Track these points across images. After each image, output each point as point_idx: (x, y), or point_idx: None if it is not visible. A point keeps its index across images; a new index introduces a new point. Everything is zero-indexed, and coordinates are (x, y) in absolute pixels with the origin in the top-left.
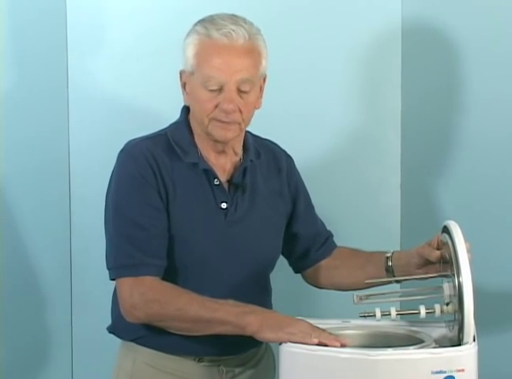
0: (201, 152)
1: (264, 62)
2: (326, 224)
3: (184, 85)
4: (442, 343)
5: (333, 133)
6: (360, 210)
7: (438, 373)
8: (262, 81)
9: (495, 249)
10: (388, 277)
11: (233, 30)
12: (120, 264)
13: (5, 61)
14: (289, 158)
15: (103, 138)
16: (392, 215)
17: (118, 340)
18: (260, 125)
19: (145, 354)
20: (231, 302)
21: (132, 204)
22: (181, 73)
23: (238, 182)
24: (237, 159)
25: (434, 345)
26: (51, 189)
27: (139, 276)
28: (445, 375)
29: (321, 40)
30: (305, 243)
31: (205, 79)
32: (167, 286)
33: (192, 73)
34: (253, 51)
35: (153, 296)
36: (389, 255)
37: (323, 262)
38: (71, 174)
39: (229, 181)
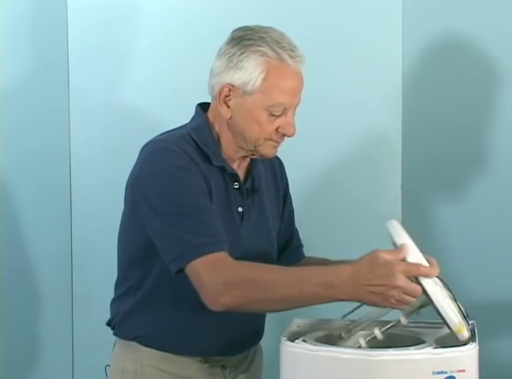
0: (226, 157)
1: None
2: (327, 224)
3: (226, 98)
4: (444, 343)
5: (334, 132)
6: (361, 209)
7: (439, 373)
8: None
9: (495, 244)
10: None
11: (301, 55)
12: (188, 248)
13: (6, 61)
14: (280, 160)
15: (103, 137)
16: (393, 214)
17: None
18: None
19: (150, 355)
20: (315, 269)
21: (182, 190)
22: (228, 87)
23: (249, 187)
24: (246, 163)
25: (435, 345)
26: (51, 188)
27: (213, 254)
28: (446, 375)
29: (321, 39)
30: (279, 246)
31: (274, 104)
32: (246, 264)
33: (251, 93)
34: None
35: (236, 278)
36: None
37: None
38: (72, 172)
39: (243, 185)
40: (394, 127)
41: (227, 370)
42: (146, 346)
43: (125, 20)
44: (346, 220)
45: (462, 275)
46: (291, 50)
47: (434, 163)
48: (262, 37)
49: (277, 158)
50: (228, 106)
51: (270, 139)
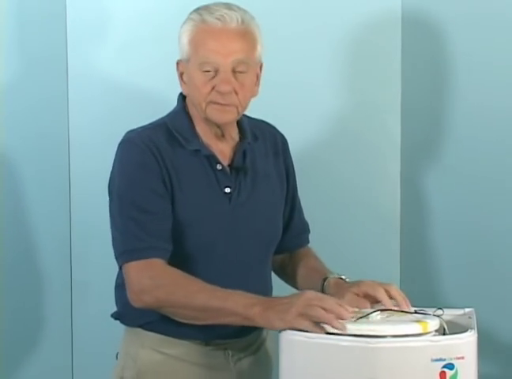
0: (202, 139)
1: (259, 48)
2: (326, 212)
3: (181, 75)
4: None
5: (331, 121)
6: (360, 198)
7: (437, 360)
8: (259, 69)
9: (494, 231)
10: None
11: (226, 14)
12: (128, 249)
13: (5, 48)
14: (284, 138)
15: (102, 124)
16: (391, 201)
17: (120, 328)
18: (260, 113)
19: (152, 339)
20: (239, 292)
21: (136, 191)
22: (178, 64)
23: (239, 166)
24: (234, 143)
25: (433, 333)
26: (50, 175)
27: (148, 259)
28: (444, 363)
29: (320, 26)
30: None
31: (201, 62)
32: (177, 272)
33: (188, 60)
34: (247, 35)
35: (163, 281)
36: (327, 278)
37: (286, 255)
38: (71, 160)
39: (230, 166)
40: (393, 114)
41: (230, 354)
42: (150, 331)
43: (124, 6)
44: (345, 208)
45: (461, 262)
46: (217, 10)
47: (433, 150)
48: (198, 7)
49: (281, 136)
50: (185, 82)
51: (211, 101)
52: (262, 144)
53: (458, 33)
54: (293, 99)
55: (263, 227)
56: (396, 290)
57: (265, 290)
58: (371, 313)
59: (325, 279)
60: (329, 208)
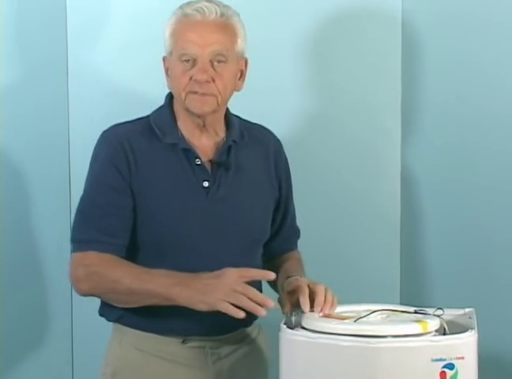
0: (183, 134)
1: (240, 42)
2: (326, 214)
3: (167, 71)
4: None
5: (331, 121)
6: (360, 199)
7: (438, 360)
8: (244, 65)
9: (495, 232)
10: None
11: (206, 6)
12: (74, 240)
13: (5, 50)
14: (278, 142)
15: (102, 126)
16: (392, 202)
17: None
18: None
19: (130, 335)
20: (164, 272)
21: (94, 185)
22: (163, 60)
23: (220, 161)
24: (219, 139)
25: (434, 333)
26: (51, 177)
27: (87, 251)
28: (445, 363)
29: (320, 25)
30: (272, 231)
31: (180, 53)
32: (109, 258)
33: (170, 53)
34: (226, 27)
35: (94, 268)
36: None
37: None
38: (71, 161)
39: (212, 161)
40: (394, 116)
41: (209, 352)
42: (127, 326)
43: (125, 9)
44: (345, 209)
45: (461, 262)
46: (196, 3)
47: (434, 151)
48: (182, 4)
49: (275, 139)
50: (169, 76)
51: (190, 91)
52: (253, 145)
53: (458, 33)
54: (293, 100)
55: (244, 224)
56: (329, 295)
57: None
58: (371, 313)
59: (287, 278)
60: (329, 208)
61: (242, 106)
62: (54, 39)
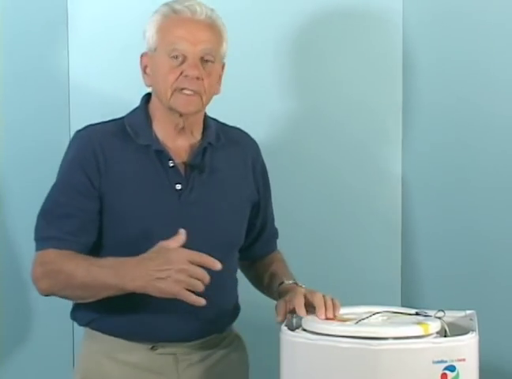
0: (157, 135)
1: (225, 45)
2: (327, 215)
3: (145, 69)
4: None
5: (331, 122)
6: (361, 201)
7: (439, 362)
8: (221, 68)
9: (495, 234)
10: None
11: (195, 5)
12: (35, 238)
13: (6, 54)
14: (255, 144)
15: None
16: (393, 205)
17: None
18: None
19: (100, 340)
20: (110, 260)
21: (60, 185)
22: (142, 57)
23: (194, 164)
24: (195, 141)
25: (435, 335)
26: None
27: (46, 250)
28: (446, 365)
29: (320, 26)
30: (253, 235)
31: (170, 49)
32: (66, 254)
33: (155, 49)
34: (214, 28)
35: (51, 266)
36: (283, 282)
37: (258, 261)
38: None
39: (186, 163)
40: (394, 116)
41: (179, 359)
42: (97, 330)
43: (126, 15)
44: (346, 211)
45: (463, 264)
46: (187, 1)
47: (435, 152)
48: (167, 2)
49: (253, 142)
50: (148, 75)
51: (177, 88)
52: (229, 148)
53: (459, 34)
54: (293, 101)
55: (217, 227)
56: (328, 301)
57: (222, 293)
58: (372, 315)
59: (280, 284)
60: (329, 210)
61: (240, 108)
62: (55, 46)
